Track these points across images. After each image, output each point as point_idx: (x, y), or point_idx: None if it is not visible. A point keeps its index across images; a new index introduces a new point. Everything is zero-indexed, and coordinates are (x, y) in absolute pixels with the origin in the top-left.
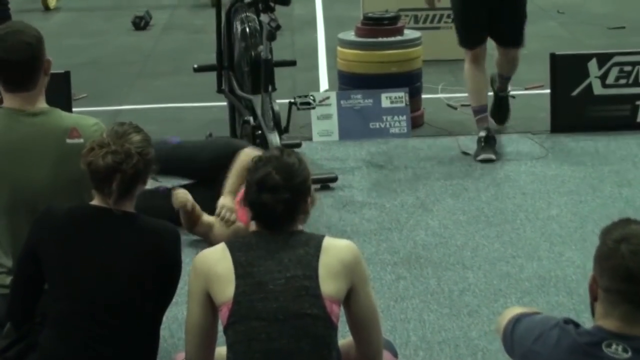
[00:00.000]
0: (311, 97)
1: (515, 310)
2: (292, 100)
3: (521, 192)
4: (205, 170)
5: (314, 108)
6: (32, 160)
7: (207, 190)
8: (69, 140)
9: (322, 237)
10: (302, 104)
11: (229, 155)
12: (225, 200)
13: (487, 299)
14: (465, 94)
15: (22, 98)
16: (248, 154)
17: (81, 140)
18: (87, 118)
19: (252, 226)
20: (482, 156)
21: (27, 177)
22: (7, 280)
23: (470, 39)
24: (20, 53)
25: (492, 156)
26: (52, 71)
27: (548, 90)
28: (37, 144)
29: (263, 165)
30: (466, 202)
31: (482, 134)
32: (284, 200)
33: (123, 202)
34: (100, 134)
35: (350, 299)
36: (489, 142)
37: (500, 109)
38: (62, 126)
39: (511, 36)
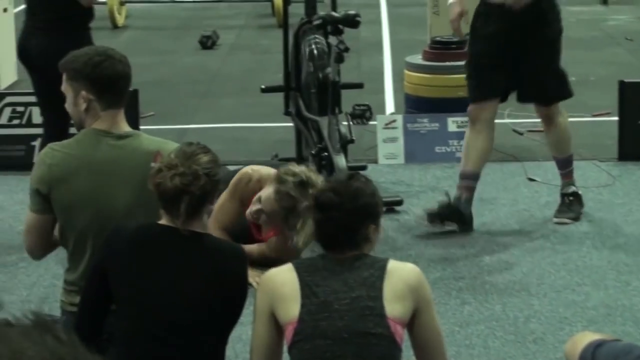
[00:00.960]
0: (366, 111)
1: (591, 336)
2: (349, 111)
3: (587, 220)
4: None
5: (366, 123)
6: (116, 182)
7: None
8: (153, 165)
9: (387, 260)
10: (354, 116)
11: None
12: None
13: (553, 326)
14: (533, 120)
15: (112, 117)
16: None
17: None
18: (170, 143)
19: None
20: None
21: (110, 198)
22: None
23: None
24: (122, 69)
25: None
26: None
27: (615, 118)
28: (122, 166)
29: (327, 186)
30: (532, 229)
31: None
32: (338, 221)
33: (191, 223)
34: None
35: (415, 321)
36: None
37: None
38: (147, 150)
39: (545, 90)
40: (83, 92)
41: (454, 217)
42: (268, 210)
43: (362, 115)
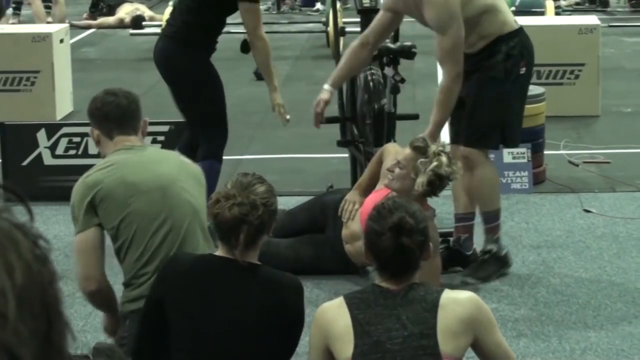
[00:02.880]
0: None
1: None
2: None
3: None
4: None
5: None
6: (161, 170)
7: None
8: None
9: (441, 291)
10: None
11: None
12: (350, 195)
13: (610, 359)
14: (589, 151)
15: (125, 140)
16: (388, 148)
17: None
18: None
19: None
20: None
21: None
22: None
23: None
24: (127, 99)
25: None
26: None
27: None
28: (164, 159)
29: (393, 211)
30: (588, 260)
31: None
32: (419, 243)
33: (248, 253)
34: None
35: (478, 348)
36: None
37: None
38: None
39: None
40: (95, 131)
41: (457, 262)
42: (403, 157)
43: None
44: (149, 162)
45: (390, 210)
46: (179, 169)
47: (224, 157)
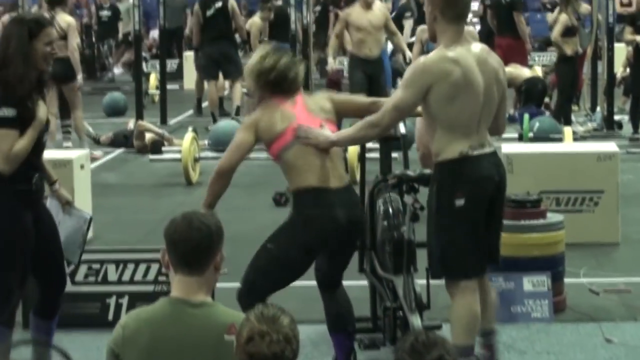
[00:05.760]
0: None
1: None
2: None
3: None
4: None
5: None
6: (191, 354)
7: None
8: (227, 337)
9: None
10: None
11: None
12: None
13: None
14: (609, 279)
15: (185, 284)
16: None
17: None
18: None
19: None
20: None
21: None
22: None
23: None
24: (200, 234)
25: None
26: None
27: None
28: (197, 338)
29: (430, 348)
30: None
31: None
32: None
33: None
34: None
35: None
36: None
37: None
38: (222, 322)
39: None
40: (166, 257)
41: None
42: None
43: None
44: (180, 346)
45: (426, 346)
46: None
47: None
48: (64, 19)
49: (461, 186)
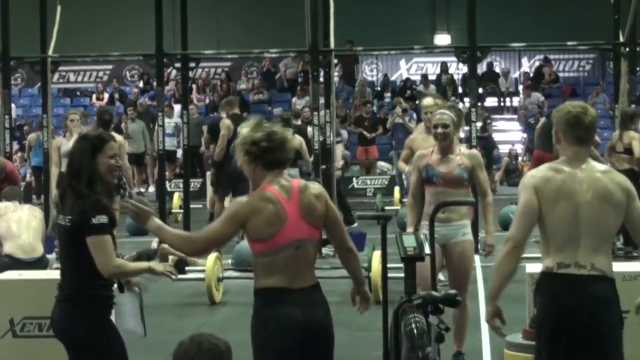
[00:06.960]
0: None
1: None
2: None
3: None
4: None
5: None
6: None
7: None
8: None
9: None
10: None
11: None
12: None
13: None
14: None
15: None
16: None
17: None
18: None
19: None
20: None
21: None
22: None
23: None
24: (210, 354)
25: None
26: None
27: None
28: None
29: None
30: None
31: None
32: None
33: None
34: None
35: None
36: None
37: None
38: None
39: None
40: None
41: None
42: None
43: None
44: None
45: None
46: None
47: None
48: (116, 138)
49: (537, 304)
